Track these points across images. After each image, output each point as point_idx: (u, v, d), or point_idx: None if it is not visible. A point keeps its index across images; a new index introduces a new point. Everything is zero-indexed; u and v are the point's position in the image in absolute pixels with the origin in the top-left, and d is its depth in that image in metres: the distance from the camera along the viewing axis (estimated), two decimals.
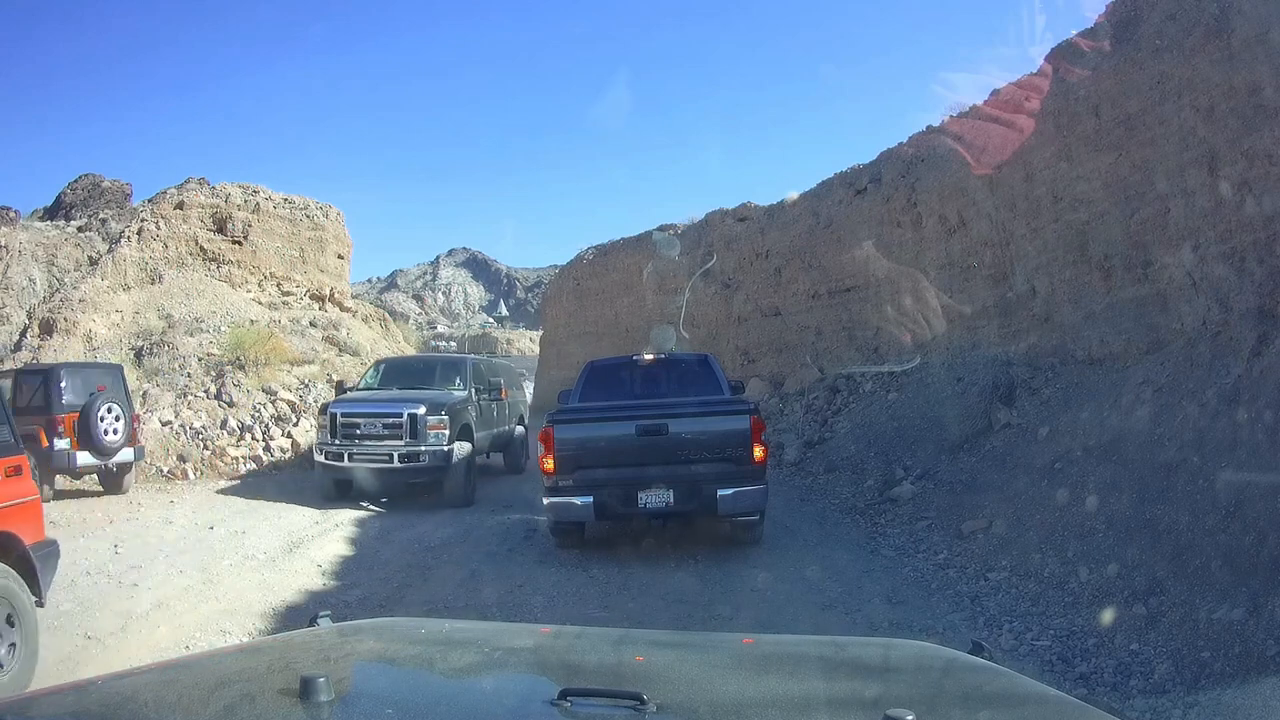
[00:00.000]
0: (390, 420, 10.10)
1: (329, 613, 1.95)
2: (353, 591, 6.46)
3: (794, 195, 17.87)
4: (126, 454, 10.74)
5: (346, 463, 10.15)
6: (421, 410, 10.04)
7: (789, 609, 5.83)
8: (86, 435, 10.07)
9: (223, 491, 11.20)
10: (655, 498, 7.07)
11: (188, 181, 19.25)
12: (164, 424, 12.98)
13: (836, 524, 8.87)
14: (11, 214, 19.92)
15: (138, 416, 11.47)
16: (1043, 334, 10.61)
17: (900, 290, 13.71)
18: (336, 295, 20.83)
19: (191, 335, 15.54)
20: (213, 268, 18.33)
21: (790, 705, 1.43)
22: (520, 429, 13.73)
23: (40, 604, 4.53)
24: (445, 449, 10.02)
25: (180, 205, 18.32)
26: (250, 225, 18.96)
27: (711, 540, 7.79)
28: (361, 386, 11.89)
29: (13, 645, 4.14)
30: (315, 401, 13.93)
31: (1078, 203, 9.67)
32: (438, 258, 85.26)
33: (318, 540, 8.20)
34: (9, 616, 4.17)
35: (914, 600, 6.05)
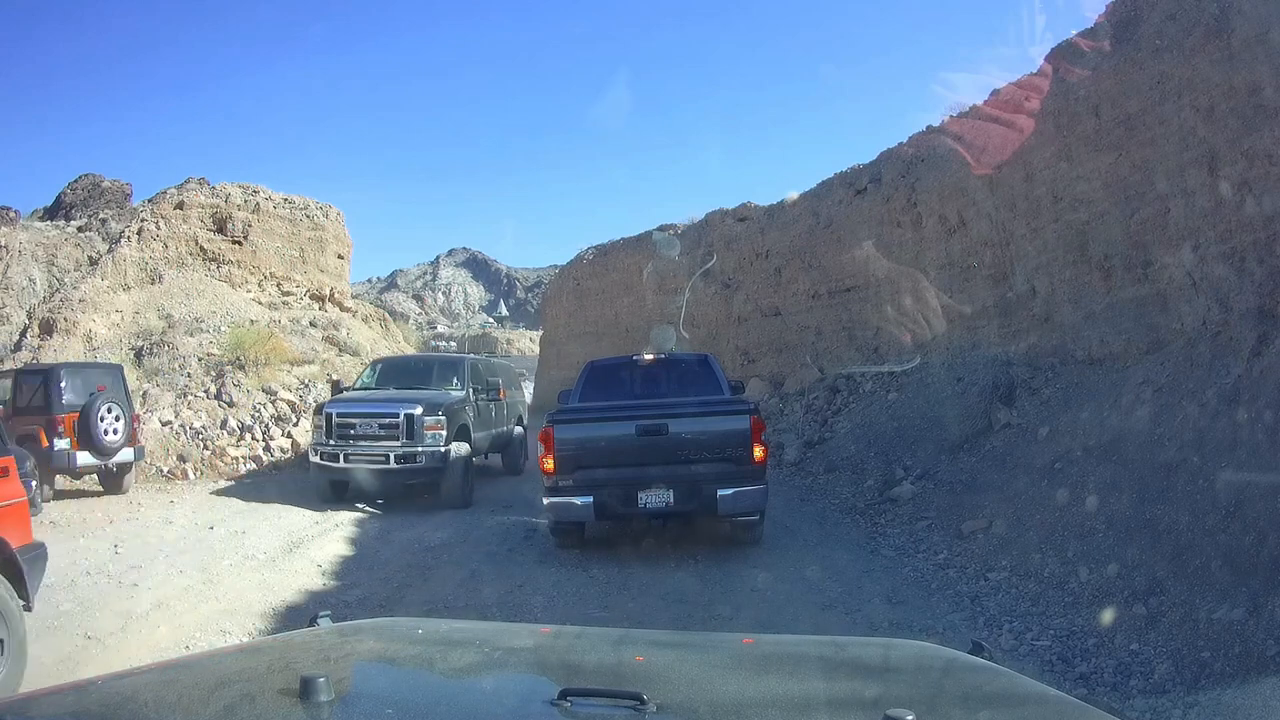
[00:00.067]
0: (386, 421, 9.97)
1: (329, 613, 1.95)
2: (353, 591, 6.46)
3: (794, 195, 17.89)
4: (126, 454, 10.74)
5: (342, 464, 10.01)
6: (418, 410, 9.91)
7: (789, 609, 5.83)
8: (86, 435, 10.07)
9: (220, 492, 11.19)
10: (655, 498, 7.07)
11: (188, 181, 19.26)
12: (164, 424, 12.98)
13: (836, 524, 8.87)
14: (11, 214, 19.92)
15: (138, 416, 11.47)
16: (1043, 334, 10.61)
17: (900, 290, 13.71)
18: (336, 295, 20.84)
19: (191, 335, 15.55)
20: (213, 268, 18.34)
21: (790, 705, 1.43)
22: (519, 429, 13.59)
23: (28, 608, 4.43)
24: (442, 450, 9.89)
25: (180, 205, 18.32)
26: (250, 225, 18.97)
27: (711, 540, 7.79)
28: (358, 386, 11.75)
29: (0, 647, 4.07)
30: (315, 401, 13.87)
31: (1078, 203, 9.68)
32: (438, 258, 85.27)
33: (318, 540, 8.20)
34: None
35: (914, 600, 6.05)
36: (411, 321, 51.59)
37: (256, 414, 13.94)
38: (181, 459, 12.60)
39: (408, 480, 10.11)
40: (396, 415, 9.94)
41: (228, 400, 13.99)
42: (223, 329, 15.93)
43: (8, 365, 13.32)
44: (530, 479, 11.24)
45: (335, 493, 10.24)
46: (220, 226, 18.66)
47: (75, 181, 23.69)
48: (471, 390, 11.30)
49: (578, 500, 7.11)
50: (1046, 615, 5.47)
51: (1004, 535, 7.09)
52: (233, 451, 13.01)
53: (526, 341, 50.43)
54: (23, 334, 15.65)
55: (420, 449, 9.82)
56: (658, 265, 21.20)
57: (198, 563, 7.13)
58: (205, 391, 14.17)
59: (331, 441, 10.04)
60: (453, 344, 44.04)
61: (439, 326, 61.31)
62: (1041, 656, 4.84)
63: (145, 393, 13.53)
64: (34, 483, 8.32)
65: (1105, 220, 9.22)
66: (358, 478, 10.09)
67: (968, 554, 7.05)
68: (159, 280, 17.20)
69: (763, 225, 18.34)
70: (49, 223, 21.03)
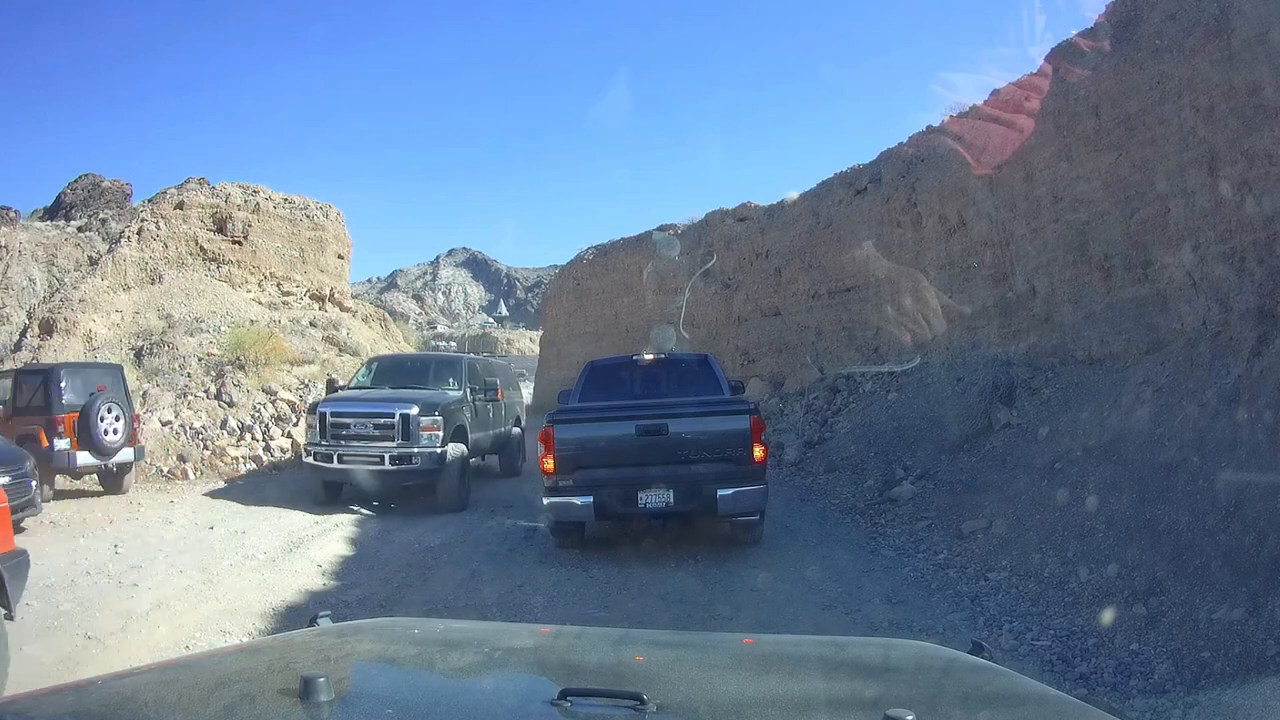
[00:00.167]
0: (382, 420, 9.74)
1: (329, 613, 1.95)
2: (353, 591, 6.46)
3: (794, 195, 17.89)
4: (126, 454, 10.74)
5: (336, 464, 9.77)
6: (414, 410, 9.70)
7: (789, 609, 5.83)
8: (86, 435, 10.07)
9: (220, 492, 11.19)
10: (655, 498, 7.06)
11: (188, 181, 19.26)
12: (164, 424, 12.99)
13: (836, 524, 8.87)
14: (11, 214, 19.93)
15: (138, 416, 11.46)
16: (1043, 334, 10.61)
17: (900, 290, 13.71)
18: (336, 295, 20.84)
19: (191, 335, 15.55)
20: (213, 268, 18.34)
21: (790, 705, 1.43)
22: (517, 430, 13.42)
23: (9, 617, 4.31)
24: (438, 451, 9.69)
25: (180, 205, 18.33)
26: (250, 225, 18.97)
27: (711, 540, 7.79)
28: (353, 385, 11.53)
29: None
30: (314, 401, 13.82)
31: (1078, 203, 9.68)
32: (438, 258, 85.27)
33: (318, 540, 8.20)
34: None
35: (914, 600, 6.05)
36: (411, 321, 51.59)
37: (256, 414, 13.94)
38: (181, 459, 12.61)
39: (403, 482, 9.88)
40: (392, 415, 9.73)
41: (228, 400, 14.00)
42: (223, 329, 15.93)
43: (8, 365, 13.33)
44: (529, 480, 11.21)
45: (329, 494, 10.04)
46: (220, 226, 18.67)
47: (75, 181, 23.70)
48: (469, 390, 11.10)
49: (578, 500, 7.10)
50: (1046, 615, 5.47)
51: (1004, 535, 7.09)
52: (233, 451, 13.01)
53: (526, 341, 50.45)
54: (23, 334, 15.66)
55: (416, 450, 9.62)
56: (658, 265, 21.20)
57: (198, 563, 7.13)
58: (205, 391, 14.18)
59: (325, 441, 9.81)
60: (452, 344, 44.04)
61: (439, 326, 61.32)
62: (1041, 656, 4.84)
63: (145, 393, 13.53)
64: (34, 483, 8.33)
65: (1105, 220, 9.22)
66: (352, 479, 9.87)
67: (968, 554, 7.05)
68: (159, 280, 17.21)
69: (763, 225, 18.34)
70: (49, 223, 21.04)
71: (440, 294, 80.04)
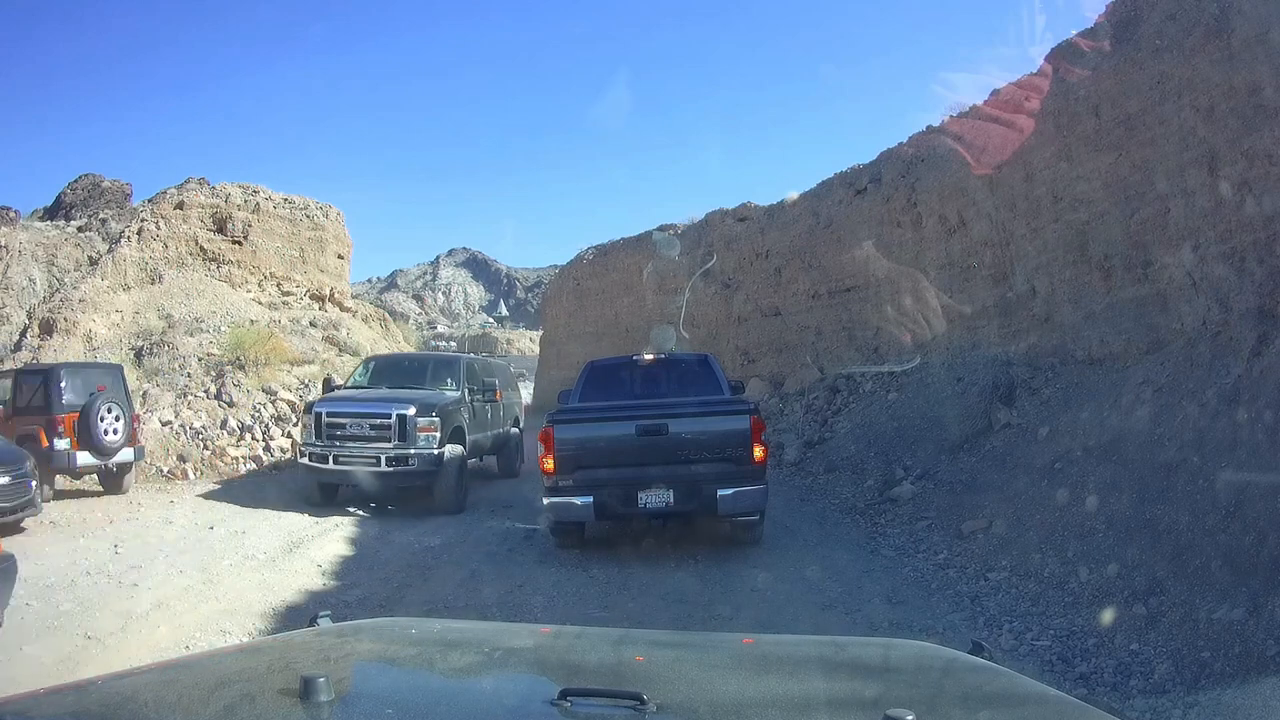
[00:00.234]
0: (378, 421, 9.56)
1: (329, 613, 1.95)
2: (353, 591, 6.46)
3: (794, 195, 17.89)
4: (126, 454, 10.73)
5: (331, 465, 9.59)
6: (411, 411, 9.52)
7: (789, 609, 5.83)
8: (86, 435, 10.07)
9: (219, 493, 11.18)
10: (655, 498, 7.06)
11: (188, 181, 19.26)
12: (164, 424, 12.98)
13: (836, 524, 8.87)
14: (11, 214, 19.93)
15: (138, 416, 11.46)
16: (1043, 334, 10.61)
17: (900, 290, 13.71)
18: (336, 295, 20.84)
19: (191, 335, 15.55)
20: (213, 268, 18.34)
21: (790, 705, 1.43)
22: (515, 430, 13.27)
23: None
24: (435, 452, 9.52)
25: (180, 205, 18.33)
26: (250, 225, 18.97)
27: (711, 540, 7.79)
28: (350, 385, 11.35)
29: None
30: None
31: (1078, 203, 9.68)
32: (438, 258, 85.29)
33: (318, 540, 8.20)
34: None
35: (914, 600, 6.05)
36: (411, 321, 51.60)
37: (256, 414, 13.94)
38: (181, 459, 12.60)
39: (399, 484, 9.70)
40: (388, 416, 9.55)
41: (228, 400, 13.99)
42: (223, 329, 15.93)
43: (8, 365, 13.32)
44: (527, 481, 11.20)
45: (325, 495, 9.88)
46: (220, 226, 18.67)
47: (75, 181, 23.70)
48: (467, 391, 10.92)
49: (578, 500, 7.11)
50: (1046, 615, 5.47)
51: (1004, 535, 7.09)
52: (233, 451, 13.01)
53: (526, 341, 50.46)
54: (23, 334, 15.65)
55: (413, 451, 9.44)
56: (658, 265, 21.20)
57: (198, 563, 7.13)
58: (205, 391, 14.18)
59: (321, 442, 9.64)
60: (453, 344, 44.04)
61: (439, 326, 61.32)
62: (1041, 656, 4.84)
63: (145, 393, 13.53)
64: (34, 483, 8.34)
65: (1105, 220, 9.22)
66: (347, 480, 9.73)
67: (968, 554, 7.05)
68: (159, 280, 17.21)
69: (763, 225, 18.34)
70: (49, 223, 21.04)
71: (440, 294, 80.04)
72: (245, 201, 19.22)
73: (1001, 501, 7.78)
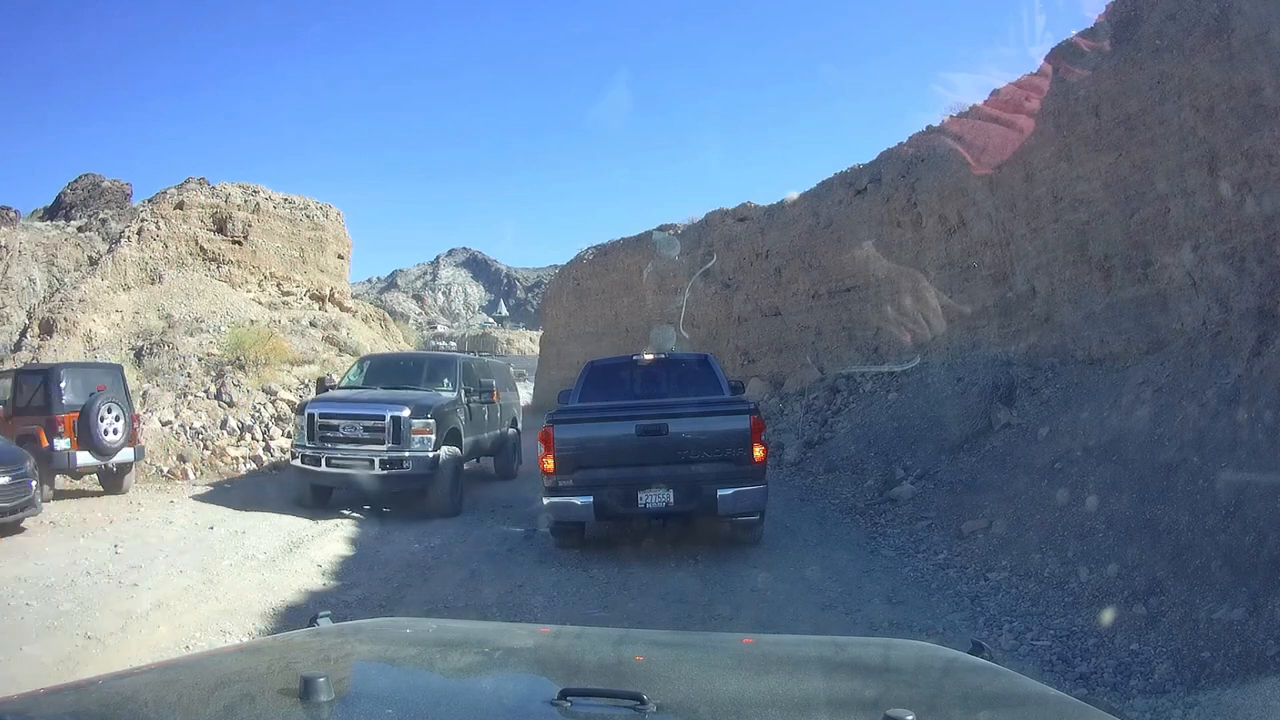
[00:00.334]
0: (372, 423, 9.36)
1: (329, 613, 1.95)
2: (353, 591, 6.46)
3: (794, 195, 17.89)
4: (126, 454, 10.72)
5: (324, 468, 9.41)
6: (406, 413, 9.31)
7: (789, 609, 5.83)
8: (86, 435, 10.07)
9: (214, 493, 11.18)
10: (655, 498, 7.06)
11: (188, 181, 19.27)
12: (164, 424, 12.98)
13: (836, 524, 8.87)
14: (11, 214, 19.94)
15: (138, 416, 11.45)
16: (1043, 334, 10.61)
17: (900, 290, 13.71)
18: (336, 295, 20.84)
19: (191, 335, 15.55)
20: (213, 268, 18.34)
21: (790, 705, 1.43)
22: (513, 431, 13.04)
23: None
24: (430, 455, 9.30)
25: (180, 205, 18.33)
26: (250, 225, 18.97)
27: (711, 540, 7.79)
28: (344, 385, 11.11)
29: None
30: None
31: (1078, 203, 9.68)
32: (438, 258, 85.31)
33: (318, 540, 8.20)
34: None
35: (914, 600, 6.05)
36: (411, 321, 51.60)
37: (256, 414, 13.94)
38: (181, 459, 12.61)
39: (394, 487, 9.48)
40: (382, 417, 9.35)
41: (228, 400, 14.00)
42: (223, 329, 15.93)
43: (8, 365, 13.33)
44: (525, 481, 11.18)
45: (318, 498, 9.70)
46: (220, 226, 18.67)
47: (75, 181, 23.72)
48: (463, 391, 10.70)
49: (578, 500, 7.10)
50: (1046, 615, 5.47)
51: (1004, 535, 7.09)
52: (233, 451, 13.01)
53: (526, 341, 50.46)
54: (23, 334, 15.66)
55: (407, 454, 9.24)
56: (658, 265, 21.20)
57: (198, 563, 7.13)
58: (205, 391, 14.18)
59: (313, 444, 9.45)
60: (452, 344, 43.98)
61: (439, 326, 61.31)
62: (1041, 656, 4.84)
63: (145, 393, 13.53)
64: (34, 483, 8.34)
65: (1105, 220, 9.22)
66: (340, 483, 9.55)
67: (968, 554, 7.05)
68: (159, 280, 17.21)
69: (763, 225, 18.34)
70: (49, 223, 21.05)
71: (440, 294, 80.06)
72: (245, 201, 19.23)
73: (1001, 501, 7.78)
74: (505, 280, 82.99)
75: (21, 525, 8.26)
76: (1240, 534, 5.07)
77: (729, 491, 6.97)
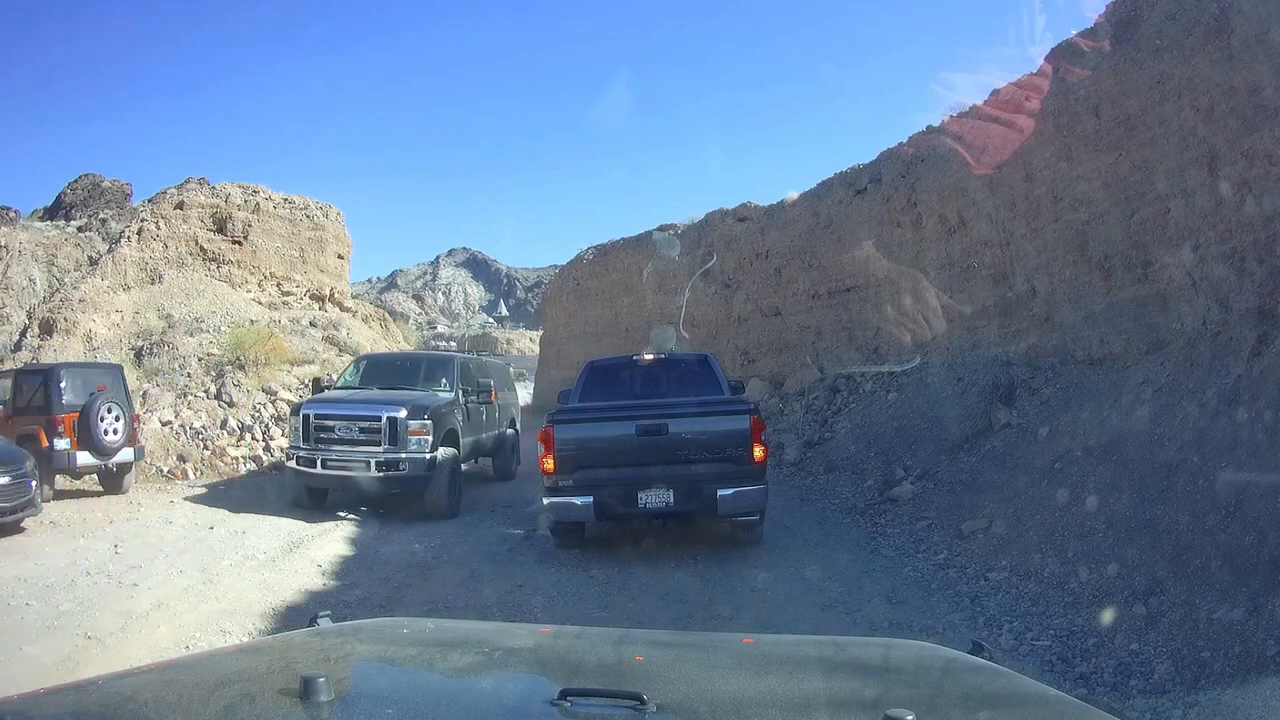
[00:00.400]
0: (368, 424, 9.22)
1: (329, 613, 1.95)
2: (353, 591, 6.46)
3: (794, 195, 17.89)
4: (126, 454, 10.72)
5: (319, 469, 9.26)
6: (402, 414, 9.18)
7: (789, 609, 5.83)
8: (86, 435, 10.06)
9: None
10: (655, 498, 7.06)
11: (188, 181, 19.27)
12: (164, 424, 12.98)
13: (836, 524, 8.87)
14: (11, 214, 19.94)
15: (138, 416, 11.45)
16: (1043, 334, 10.61)
17: (900, 290, 13.71)
18: (336, 295, 20.84)
19: (191, 335, 15.55)
20: (213, 268, 18.34)
21: (790, 705, 1.43)
22: (511, 432, 12.91)
23: None
24: (427, 457, 9.17)
25: (180, 205, 18.33)
26: (250, 225, 18.97)
27: (711, 540, 7.78)
28: (340, 385, 10.96)
29: None
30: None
31: (1078, 203, 9.68)
32: (438, 258, 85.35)
33: (318, 540, 8.19)
34: None
35: (914, 600, 6.05)
36: (411, 321, 51.61)
37: (256, 414, 13.94)
38: (181, 459, 12.61)
39: (390, 489, 9.35)
40: (378, 418, 9.20)
41: (228, 400, 14.00)
42: (223, 329, 15.93)
43: (8, 365, 13.33)
44: (525, 482, 11.16)
45: (313, 500, 9.56)
46: (220, 226, 18.67)
47: (75, 181, 23.72)
48: (461, 392, 10.56)
49: (578, 500, 7.10)
50: (1046, 615, 5.47)
51: (1004, 535, 7.09)
52: (233, 451, 13.01)
53: (526, 341, 50.48)
54: (23, 334, 15.66)
55: (404, 455, 9.11)
56: (658, 265, 21.20)
57: (198, 563, 7.13)
58: (205, 391, 14.18)
59: (308, 445, 9.31)
60: (452, 344, 43.93)
61: (439, 326, 61.32)
62: (1041, 656, 4.84)
63: (145, 393, 13.53)
64: (34, 483, 8.34)
65: (1105, 220, 9.22)
66: (335, 485, 9.42)
67: (968, 554, 7.05)
68: (159, 280, 17.21)
69: (763, 225, 18.34)
70: (49, 223, 21.05)
71: (440, 294, 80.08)
72: (245, 201, 19.22)
73: (1001, 501, 7.78)
74: (505, 280, 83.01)
75: (21, 525, 8.26)
76: (1240, 534, 5.07)
77: (729, 491, 6.97)
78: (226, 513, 9.51)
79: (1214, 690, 4.12)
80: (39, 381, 10.45)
